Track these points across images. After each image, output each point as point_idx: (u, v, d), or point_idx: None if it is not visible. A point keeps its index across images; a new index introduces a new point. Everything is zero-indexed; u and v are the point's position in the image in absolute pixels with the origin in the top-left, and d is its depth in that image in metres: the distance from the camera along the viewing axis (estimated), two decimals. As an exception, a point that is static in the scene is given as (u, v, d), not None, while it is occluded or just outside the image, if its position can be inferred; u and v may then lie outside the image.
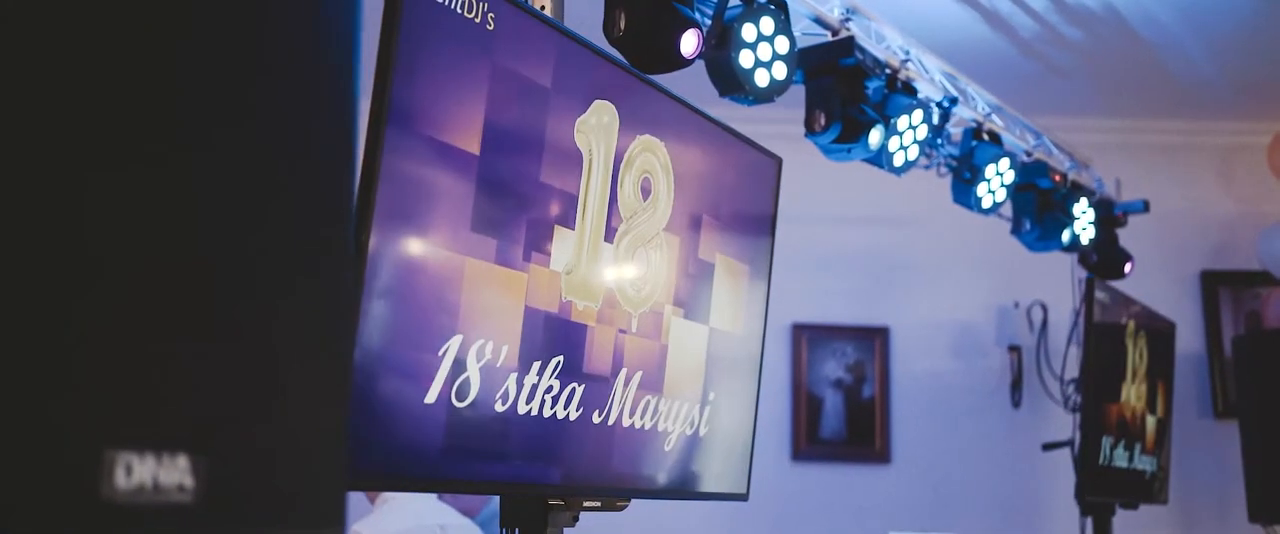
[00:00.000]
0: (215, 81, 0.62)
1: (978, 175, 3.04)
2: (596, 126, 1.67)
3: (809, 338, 4.15)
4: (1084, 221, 3.46)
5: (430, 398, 1.38)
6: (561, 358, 1.60)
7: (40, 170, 0.51)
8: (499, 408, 1.50)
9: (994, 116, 3.17)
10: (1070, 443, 3.60)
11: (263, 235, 0.64)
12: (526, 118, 1.54)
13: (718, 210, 1.99)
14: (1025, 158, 3.30)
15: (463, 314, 1.43)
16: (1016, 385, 4.16)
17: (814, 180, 3.43)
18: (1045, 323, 4.18)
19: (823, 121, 2.42)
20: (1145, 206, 3.75)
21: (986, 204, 3.09)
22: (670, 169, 1.84)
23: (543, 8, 1.79)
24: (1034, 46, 3.61)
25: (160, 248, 0.57)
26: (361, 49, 0.73)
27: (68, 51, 0.53)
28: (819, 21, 2.50)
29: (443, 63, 1.40)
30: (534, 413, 1.55)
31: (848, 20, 2.53)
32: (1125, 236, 3.80)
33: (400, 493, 2.56)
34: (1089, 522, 3.37)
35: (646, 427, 1.81)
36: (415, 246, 1.37)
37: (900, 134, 2.62)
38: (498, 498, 1.83)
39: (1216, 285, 4.27)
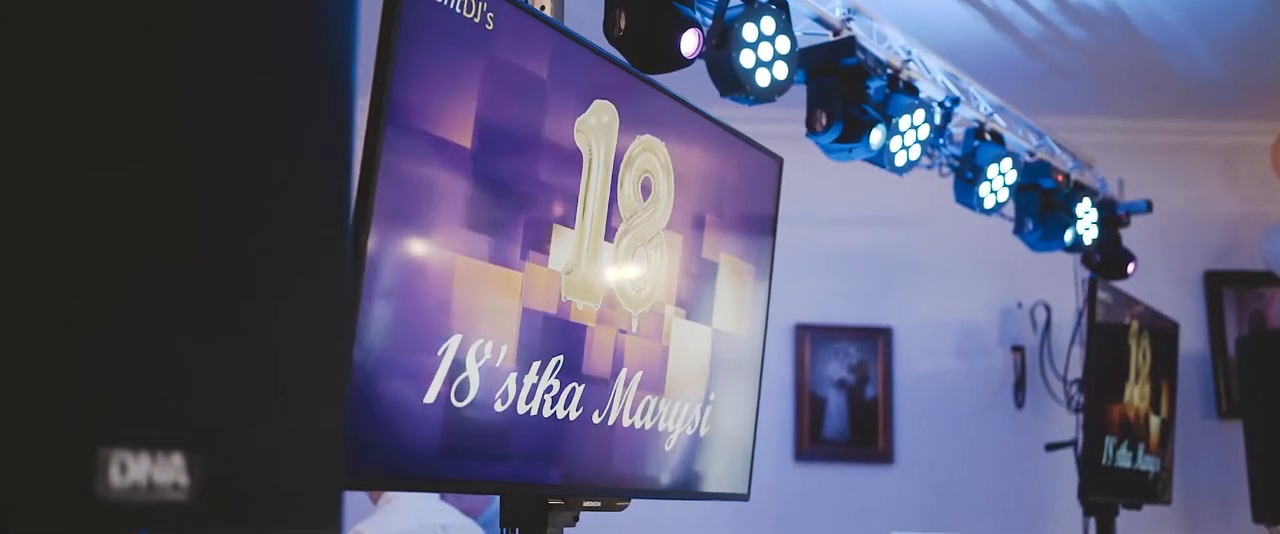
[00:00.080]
0: (215, 81, 0.62)
1: (980, 175, 3.03)
2: (596, 126, 1.67)
3: (812, 338, 4.15)
4: (1087, 222, 3.45)
5: (429, 397, 1.38)
6: (561, 358, 1.60)
7: (41, 170, 0.52)
8: (498, 408, 1.50)
9: (996, 116, 3.16)
10: (1073, 443, 3.60)
11: (261, 235, 0.65)
12: (525, 117, 1.54)
13: (720, 210, 1.99)
14: (1028, 158, 3.30)
15: (461, 313, 1.43)
16: (1020, 386, 4.15)
17: (816, 181, 3.43)
18: (1048, 323, 4.17)
19: (824, 121, 2.42)
20: (1148, 207, 3.74)
21: (989, 204, 3.08)
22: (670, 169, 1.84)
23: (543, 8, 1.79)
24: (1037, 46, 3.61)
25: (159, 247, 0.57)
26: (359, 48, 0.73)
27: (68, 52, 0.53)
28: (820, 21, 2.50)
29: (441, 62, 1.40)
30: (534, 413, 1.56)
31: (849, 20, 2.53)
32: (1129, 237, 3.79)
33: (403, 493, 2.57)
34: (1092, 522, 3.37)
35: (647, 427, 1.81)
36: (412, 245, 1.37)
37: (902, 134, 2.61)
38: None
39: (1220, 285, 4.26)
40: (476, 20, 1.44)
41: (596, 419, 1.69)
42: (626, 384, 1.75)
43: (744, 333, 2.07)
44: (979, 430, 4.13)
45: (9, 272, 0.50)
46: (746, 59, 2.14)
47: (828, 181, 3.64)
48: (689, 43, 2.01)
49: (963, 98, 2.95)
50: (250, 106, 0.65)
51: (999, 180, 3.06)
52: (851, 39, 2.45)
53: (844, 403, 4.14)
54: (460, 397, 1.43)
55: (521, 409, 1.53)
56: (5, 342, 0.49)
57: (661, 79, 1.88)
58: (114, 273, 0.55)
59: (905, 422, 4.14)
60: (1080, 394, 3.61)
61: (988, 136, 3.04)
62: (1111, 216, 3.72)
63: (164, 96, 0.59)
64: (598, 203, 1.67)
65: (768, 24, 2.17)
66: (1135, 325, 3.42)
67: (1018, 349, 4.16)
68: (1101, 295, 3.19)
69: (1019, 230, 3.36)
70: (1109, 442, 3.22)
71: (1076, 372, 3.81)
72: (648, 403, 1.80)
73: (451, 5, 1.40)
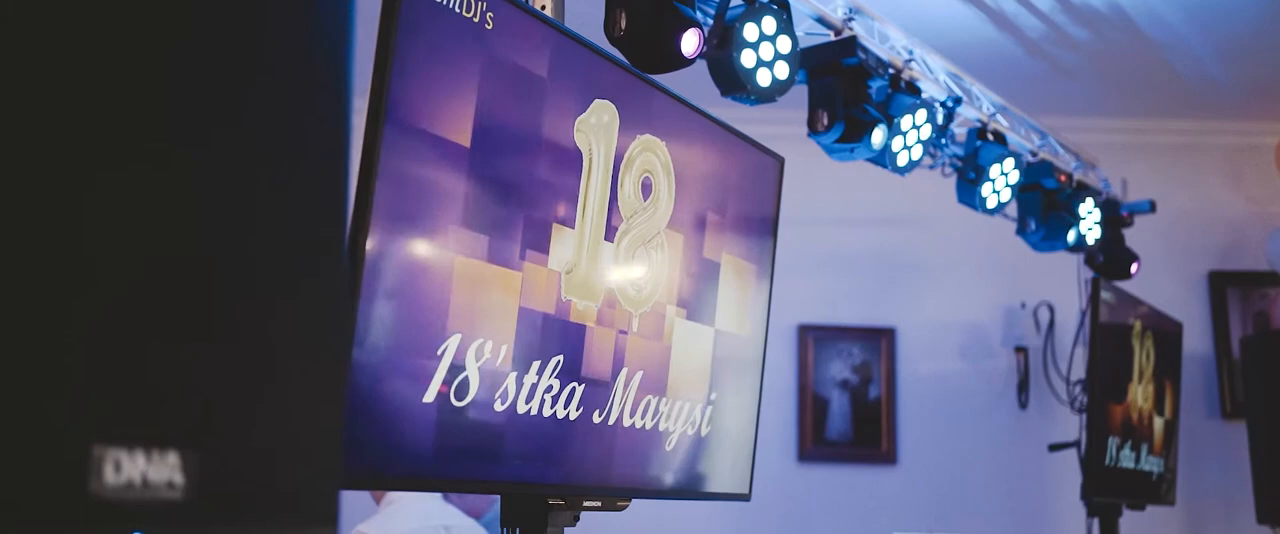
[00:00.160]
0: (214, 81, 0.62)
1: (982, 175, 3.03)
2: (596, 126, 1.67)
3: (815, 339, 4.15)
4: (1090, 222, 3.45)
5: (428, 397, 1.38)
6: (561, 357, 1.60)
7: (40, 169, 0.52)
8: (498, 408, 1.50)
9: (999, 116, 3.16)
10: (1077, 444, 3.59)
11: (259, 234, 0.65)
12: (524, 116, 1.54)
13: (722, 210, 1.99)
14: (1030, 158, 3.29)
15: (460, 313, 1.43)
16: (1023, 386, 4.14)
17: (818, 181, 3.43)
18: (1052, 323, 4.16)
19: (825, 121, 2.41)
20: (1151, 207, 3.73)
21: (991, 204, 3.08)
22: (671, 169, 1.84)
23: (543, 7, 1.80)
24: (1040, 46, 3.60)
25: (157, 247, 0.57)
26: (357, 48, 0.73)
27: (68, 52, 0.53)
28: (822, 21, 2.50)
29: (440, 61, 1.40)
30: (533, 413, 1.56)
31: (851, 20, 2.53)
32: (1133, 237, 3.79)
33: (405, 493, 2.57)
34: (1095, 523, 3.36)
35: (648, 427, 1.81)
36: (411, 245, 1.38)
37: (903, 134, 2.61)
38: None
39: (1224, 286, 4.25)
40: (476, 20, 1.44)
41: (597, 419, 1.69)
42: (627, 384, 1.75)
43: (745, 333, 2.07)
44: (982, 431, 4.13)
45: (6, 270, 0.50)
46: (747, 59, 2.14)
47: (830, 182, 3.64)
48: (689, 42, 2.01)
49: (965, 98, 2.94)
50: (249, 106, 0.65)
51: (1001, 180, 3.06)
52: (853, 39, 2.45)
53: (847, 404, 4.13)
54: (459, 396, 1.43)
55: (521, 409, 1.53)
56: (2, 339, 0.49)
57: (662, 79, 1.88)
58: (111, 271, 0.55)
59: (908, 422, 4.13)
60: (1084, 395, 3.60)
61: (990, 136, 3.03)
62: (1115, 217, 3.71)
63: (163, 96, 0.59)
64: (598, 202, 1.67)
65: (769, 24, 2.17)
66: (1139, 326, 3.42)
67: (1021, 350, 4.16)
68: (1105, 296, 3.19)
69: (1022, 231, 3.36)
70: (1112, 442, 3.22)
71: (1080, 372, 3.81)
72: (649, 403, 1.80)
73: (450, 4, 1.40)
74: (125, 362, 0.55)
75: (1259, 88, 3.93)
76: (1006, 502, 4.05)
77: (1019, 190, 3.18)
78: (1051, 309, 4.16)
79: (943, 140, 2.96)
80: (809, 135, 2.48)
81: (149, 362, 0.56)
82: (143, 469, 0.54)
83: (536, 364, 1.56)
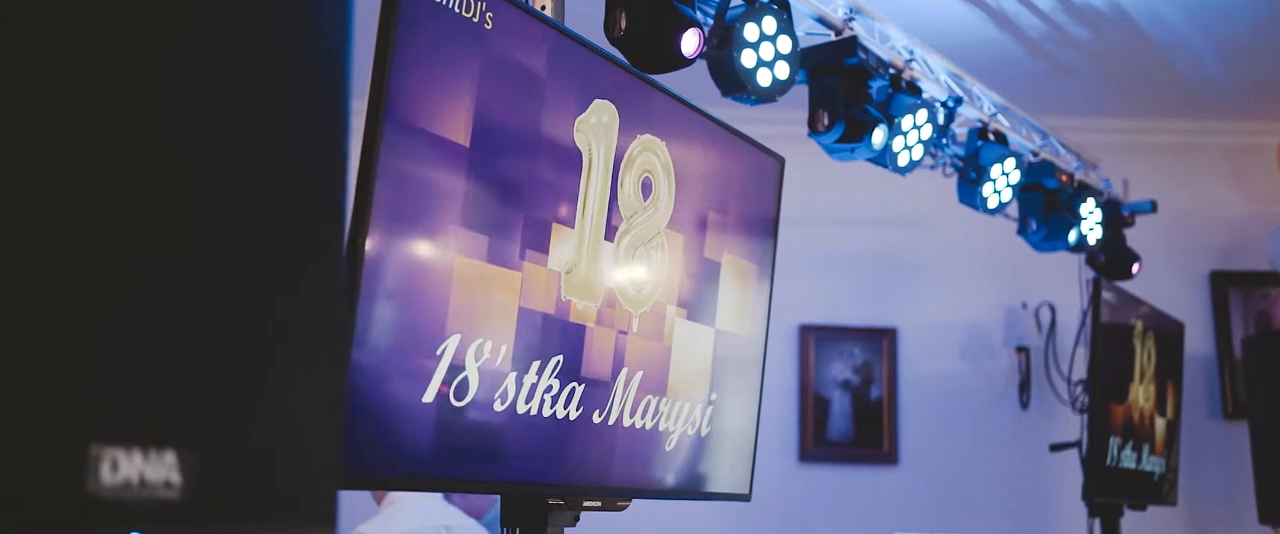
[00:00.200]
0: (213, 81, 0.62)
1: (983, 175, 3.03)
2: (596, 126, 1.67)
3: (816, 339, 4.15)
4: (1091, 222, 3.45)
5: (428, 397, 1.38)
6: (560, 357, 1.60)
7: (41, 169, 0.52)
8: (498, 407, 1.50)
9: (1000, 116, 3.16)
10: (1078, 444, 3.59)
11: (258, 234, 0.65)
12: (524, 116, 1.54)
13: (722, 210, 1.99)
14: (1031, 158, 3.29)
15: (459, 313, 1.43)
16: (1024, 386, 4.14)
17: (819, 181, 3.43)
18: (1053, 323, 4.16)
19: (826, 121, 2.41)
20: (1153, 207, 3.73)
21: (992, 204, 3.08)
22: (671, 168, 1.84)
23: (543, 7, 1.80)
24: (1040, 46, 3.60)
25: (157, 247, 0.57)
26: (355, 47, 0.74)
27: (68, 52, 0.53)
28: (822, 21, 2.50)
29: (440, 61, 1.40)
30: (533, 412, 1.56)
31: (851, 20, 2.53)
32: (1135, 237, 3.78)
33: (406, 493, 2.57)
34: (1097, 523, 3.36)
35: (648, 427, 1.81)
36: (411, 244, 1.38)
37: (904, 134, 2.61)
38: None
39: (1226, 286, 4.24)
40: (475, 19, 1.44)
41: (597, 419, 1.69)
42: (627, 384, 1.75)
43: (746, 333, 2.07)
44: (983, 431, 4.13)
45: (6, 269, 0.50)
46: (748, 59, 2.14)
47: (830, 182, 3.64)
48: (690, 42, 2.01)
49: (966, 97, 2.94)
50: (248, 106, 0.65)
51: (1002, 180, 3.06)
52: (853, 38, 2.45)
53: (848, 404, 4.13)
54: (459, 396, 1.43)
55: (521, 409, 1.53)
56: (1, 338, 0.49)
57: (662, 79, 1.88)
58: (111, 271, 0.55)
59: (910, 422, 4.13)
60: (1085, 395, 3.60)
61: (991, 136, 3.03)
62: (1116, 217, 3.71)
63: (163, 96, 0.59)
64: (598, 202, 1.67)
65: (769, 24, 2.17)
66: (1140, 326, 3.41)
67: (1022, 350, 4.15)
68: (1106, 296, 3.18)
69: (1023, 231, 3.35)
70: (1114, 442, 3.21)
71: (1081, 372, 3.81)
72: (649, 403, 1.80)
73: (450, 4, 1.40)
74: (124, 361, 0.55)
75: (1260, 87, 3.93)
76: (1008, 502, 4.05)
77: (1020, 190, 3.18)
78: (1053, 309, 4.16)
79: (943, 140, 2.95)
80: (809, 135, 2.47)
81: (148, 361, 0.57)
82: (140, 469, 0.54)
83: (536, 364, 1.56)
